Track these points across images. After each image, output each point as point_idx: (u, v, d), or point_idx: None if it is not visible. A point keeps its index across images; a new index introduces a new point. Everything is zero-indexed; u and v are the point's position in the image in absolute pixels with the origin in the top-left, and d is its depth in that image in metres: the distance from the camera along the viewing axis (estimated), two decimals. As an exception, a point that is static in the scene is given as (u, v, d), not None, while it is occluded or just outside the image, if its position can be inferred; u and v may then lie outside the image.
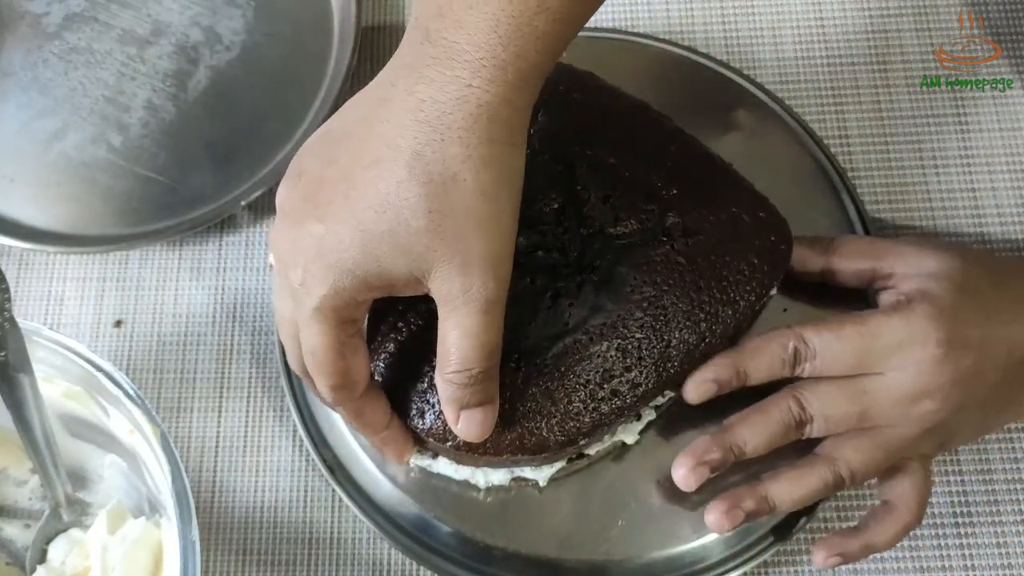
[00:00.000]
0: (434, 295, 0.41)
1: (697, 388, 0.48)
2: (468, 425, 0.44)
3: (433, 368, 0.46)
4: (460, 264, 0.40)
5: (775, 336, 0.48)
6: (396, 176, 0.39)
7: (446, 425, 0.46)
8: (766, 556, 0.50)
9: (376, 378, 0.48)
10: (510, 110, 0.40)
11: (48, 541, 0.50)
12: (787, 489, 0.47)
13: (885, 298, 0.50)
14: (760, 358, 0.48)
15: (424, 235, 0.39)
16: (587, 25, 0.64)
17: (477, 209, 0.40)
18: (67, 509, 0.50)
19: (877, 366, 0.46)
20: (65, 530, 0.50)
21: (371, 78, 0.62)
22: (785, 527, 0.50)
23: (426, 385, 0.46)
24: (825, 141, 0.59)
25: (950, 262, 0.48)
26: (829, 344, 0.47)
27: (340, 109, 0.44)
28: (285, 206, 0.43)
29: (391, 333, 0.48)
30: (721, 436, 0.47)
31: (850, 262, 0.51)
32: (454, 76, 0.39)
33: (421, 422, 0.46)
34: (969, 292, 0.47)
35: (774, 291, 0.51)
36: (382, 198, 0.39)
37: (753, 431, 0.47)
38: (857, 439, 0.47)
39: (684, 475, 0.47)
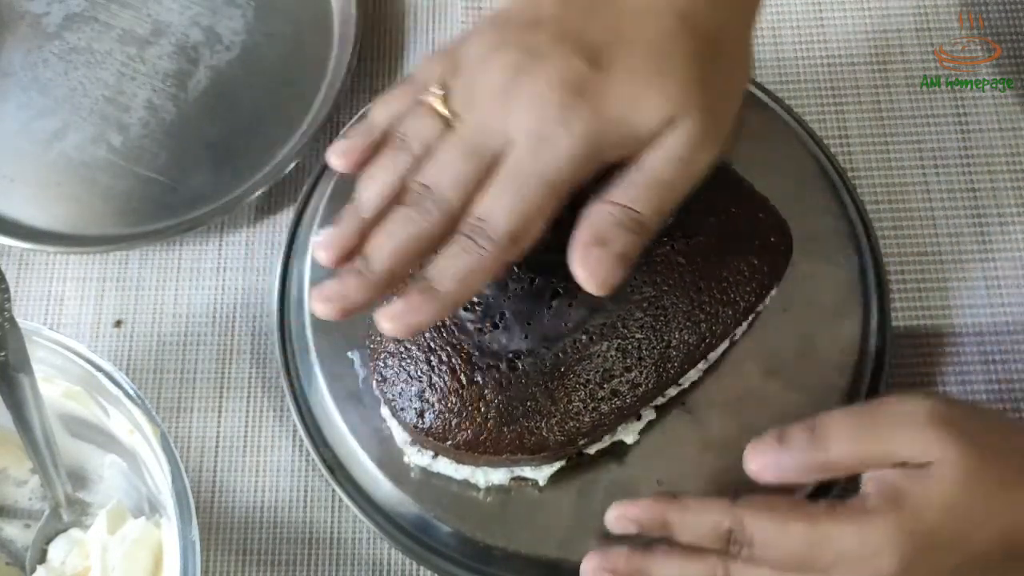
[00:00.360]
0: (661, 144, 0.40)
1: (617, 521, 0.44)
2: (596, 266, 0.40)
3: (432, 369, 0.46)
4: (710, 120, 0.41)
5: (713, 506, 0.43)
6: (667, 26, 0.40)
7: (445, 424, 0.46)
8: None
9: (376, 378, 0.48)
10: None
11: (48, 541, 0.50)
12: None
13: (865, 483, 0.43)
14: (689, 523, 0.43)
15: (690, 83, 0.40)
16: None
17: (732, 76, 0.43)
18: (67, 509, 0.50)
19: (821, 571, 0.41)
20: (65, 530, 0.50)
21: (371, 78, 0.63)
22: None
23: (425, 385, 0.46)
24: (825, 141, 0.59)
25: (953, 449, 0.41)
26: (767, 537, 0.41)
27: None
28: (528, 42, 0.41)
29: (391, 333, 0.48)
30: (638, 559, 0.43)
31: (845, 453, 0.42)
32: None
33: (421, 422, 0.47)
34: (957, 495, 0.40)
35: (773, 292, 0.51)
36: (652, 46, 0.40)
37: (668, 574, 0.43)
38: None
39: (588, 570, 0.44)
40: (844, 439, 0.42)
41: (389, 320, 0.40)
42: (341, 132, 0.60)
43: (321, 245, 0.41)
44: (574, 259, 0.40)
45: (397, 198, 0.41)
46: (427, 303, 0.40)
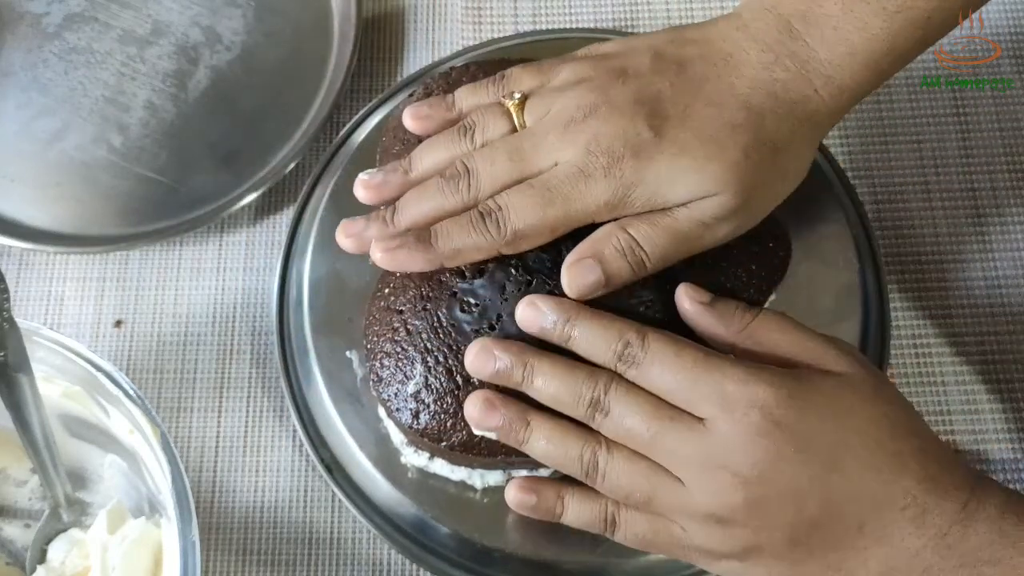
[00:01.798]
0: (691, 203, 0.44)
1: (527, 308, 0.44)
2: (581, 277, 0.44)
3: (428, 371, 0.46)
4: (740, 206, 0.44)
5: (619, 322, 0.44)
6: (733, 120, 0.44)
7: (441, 426, 0.46)
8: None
9: (372, 378, 0.48)
10: (829, 125, 0.47)
11: (48, 541, 0.50)
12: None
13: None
14: (594, 329, 0.43)
15: (734, 168, 0.44)
16: (587, 25, 0.65)
17: (776, 183, 0.46)
18: (67, 509, 0.50)
19: (690, 406, 0.42)
20: (65, 530, 0.50)
21: (371, 78, 0.63)
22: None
23: (421, 386, 0.46)
24: (825, 141, 0.59)
25: (857, 379, 0.43)
26: (664, 357, 0.42)
27: (665, 33, 0.48)
28: (610, 91, 0.45)
29: (387, 334, 0.48)
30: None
31: (764, 349, 0.44)
32: (806, 78, 0.45)
33: (416, 423, 0.47)
34: (836, 421, 0.42)
35: (773, 296, 0.51)
36: (712, 132, 0.44)
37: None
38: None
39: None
40: (768, 337, 0.45)
41: (382, 250, 0.45)
42: (350, 117, 0.60)
43: (365, 184, 0.48)
44: (567, 263, 0.45)
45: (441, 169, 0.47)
46: (419, 253, 0.45)
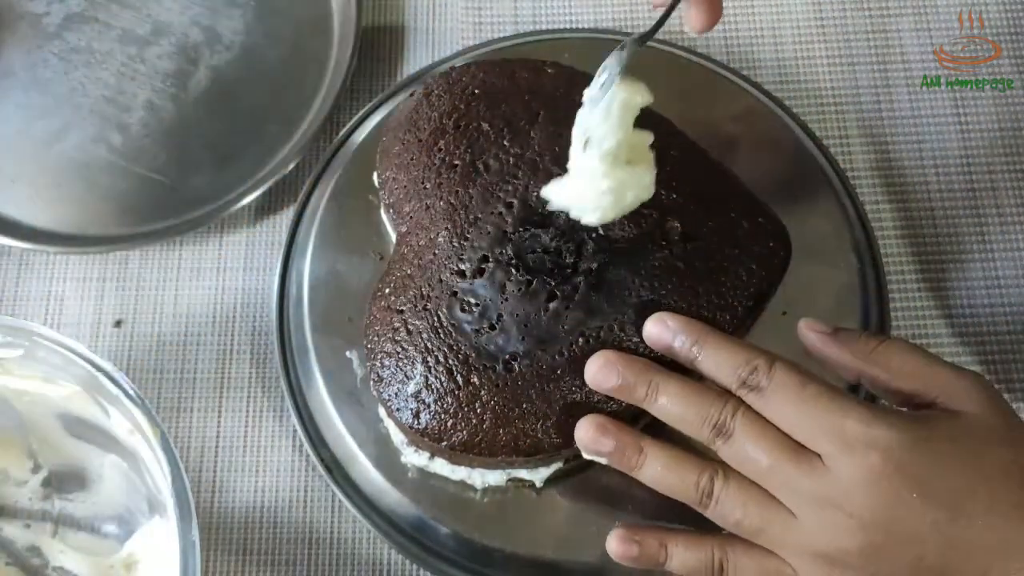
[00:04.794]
0: None
1: (655, 325, 0.44)
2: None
3: (429, 370, 0.46)
4: None
5: (748, 347, 0.43)
6: None
7: (441, 425, 0.46)
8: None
9: (373, 378, 0.48)
10: None
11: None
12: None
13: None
14: (723, 351, 0.43)
15: None
16: (587, 26, 0.65)
17: None
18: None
19: (810, 441, 0.41)
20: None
21: (371, 78, 0.63)
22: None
23: (422, 386, 0.47)
24: (825, 141, 0.59)
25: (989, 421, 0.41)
26: (788, 388, 0.41)
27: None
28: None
29: (388, 334, 0.48)
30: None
31: (894, 380, 0.43)
32: None
33: (416, 422, 0.47)
34: (960, 467, 0.40)
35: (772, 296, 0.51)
36: None
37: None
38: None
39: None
40: (897, 365, 0.43)
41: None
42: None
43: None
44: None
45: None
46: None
